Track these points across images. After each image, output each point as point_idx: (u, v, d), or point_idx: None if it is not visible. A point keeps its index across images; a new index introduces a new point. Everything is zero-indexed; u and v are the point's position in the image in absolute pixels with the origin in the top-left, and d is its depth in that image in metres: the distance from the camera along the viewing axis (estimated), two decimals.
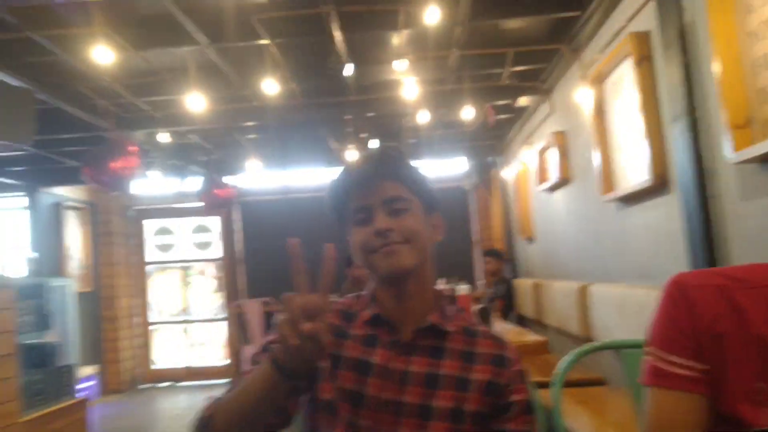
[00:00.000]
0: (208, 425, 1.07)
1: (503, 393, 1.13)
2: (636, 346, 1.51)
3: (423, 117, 4.97)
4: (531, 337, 4.01)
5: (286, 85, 4.16)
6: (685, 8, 2.41)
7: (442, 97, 4.63)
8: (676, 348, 0.97)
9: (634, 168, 3.12)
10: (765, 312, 0.92)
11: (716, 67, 2.13)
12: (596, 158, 3.51)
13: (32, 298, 4.44)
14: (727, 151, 2.12)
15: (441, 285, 3.86)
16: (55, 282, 4.82)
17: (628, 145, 3.18)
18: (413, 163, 1.22)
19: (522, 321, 5.82)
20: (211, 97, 4.26)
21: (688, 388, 0.95)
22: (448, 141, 6.25)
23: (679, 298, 0.98)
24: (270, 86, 3.89)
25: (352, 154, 5.86)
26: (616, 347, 1.53)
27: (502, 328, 4.09)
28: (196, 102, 4.12)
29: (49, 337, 4.51)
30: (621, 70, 3.17)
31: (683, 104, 2.43)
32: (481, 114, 5.10)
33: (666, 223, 2.80)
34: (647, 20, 2.80)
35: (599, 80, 3.45)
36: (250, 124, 5.07)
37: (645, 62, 2.83)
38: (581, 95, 3.62)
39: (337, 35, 3.36)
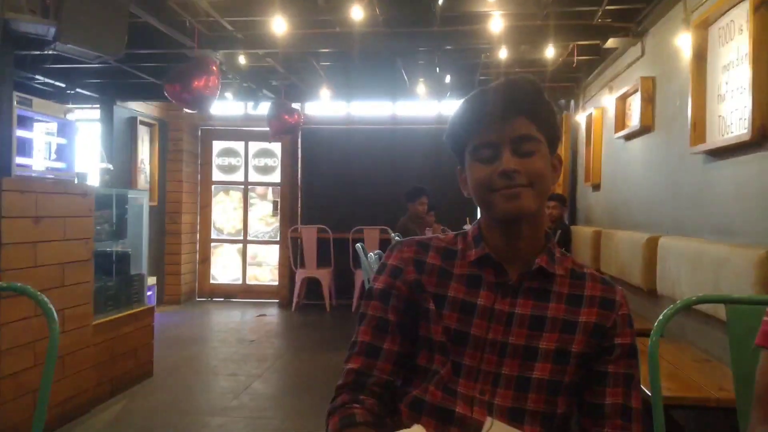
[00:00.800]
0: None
1: (608, 335, 1.13)
2: (749, 302, 1.48)
3: (502, 53, 4.84)
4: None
5: (372, 12, 4.10)
6: None
7: (526, 33, 4.49)
8: None
9: (731, 120, 3.00)
10: None
11: None
12: (689, 107, 3.38)
13: (107, 207, 4.60)
14: None
15: None
16: (130, 194, 5.00)
17: (727, 95, 3.05)
18: (542, 94, 1.15)
19: None
20: (294, 20, 4.24)
21: None
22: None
23: None
24: (356, 12, 3.84)
25: (421, 89, 5.79)
26: (729, 302, 1.52)
27: None
28: (279, 24, 4.11)
29: (122, 247, 4.71)
30: (733, 14, 3.00)
31: None
32: (563, 53, 4.94)
33: (759, 179, 2.71)
34: None
35: (704, 25, 3.28)
36: (327, 50, 5.04)
37: (764, 7, 2.66)
38: (681, 39, 3.46)
39: None
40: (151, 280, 7.06)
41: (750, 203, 2.83)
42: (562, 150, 7.37)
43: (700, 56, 3.32)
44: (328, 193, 8.07)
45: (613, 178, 5.27)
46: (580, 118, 6.38)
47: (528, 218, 1.11)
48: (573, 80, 6.33)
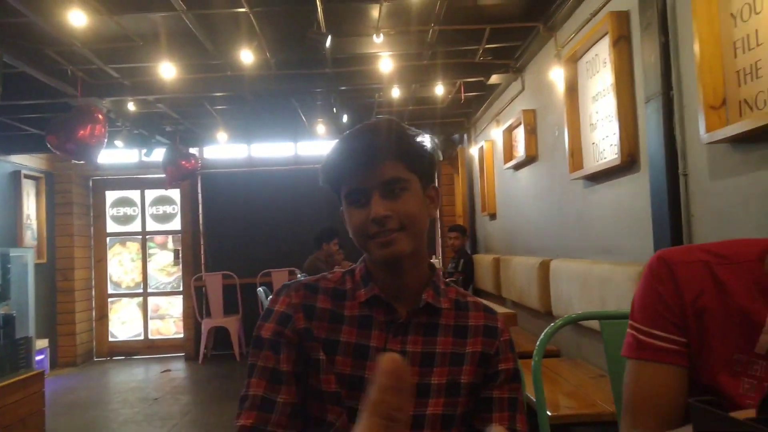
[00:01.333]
0: None
1: (492, 362, 1.17)
2: (620, 317, 1.56)
3: (395, 92, 5.00)
4: (500, 309, 4.14)
5: (262, 55, 4.12)
6: None
7: (415, 72, 4.67)
8: (659, 322, 1.00)
9: (603, 146, 3.24)
10: (745, 286, 0.96)
11: (696, 47, 2.23)
12: (566, 136, 3.61)
13: None
14: (701, 131, 2.24)
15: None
16: (13, 252, 4.68)
17: (598, 124, 3.29)
18: (413, 134, 1.15)
19: (479, 295, 5.99)
20: (183, 65, 4.19)
21: (669, 360, 0.98)
22: (418, 117, 6.30)
23: (665, 274, 1.01)
24: (245, 56, 3.84)
25: (321, 128, 5.85)
26: (600, 318, 1.60)
27: None
28: (167, 70, 4.05)
29: (5, 309, 4.39)
30: (596, 49, 3.27)
31: (658, 84, 2.53)
32: (452, 90, 5.17)
33: (632, 200, 2.93)
34: (627, 0, 2.89)
35: (573, 59, 3.55)
36: (220, 94, 5.00)
37: (622, 41, 2.93)
38: (554, 74, 3.71)
39: (319, 5, 3.34)
40: (42, 343, 6.57)
41: (626, 224, 3.04)
42: (459, 182, 7.64)
43: (572, 88, 3.58)
44: (232, 238, 7.88)
45: (507, 207, 5.51)
46: (474, 151, 6.66)
47: (407, 257, 1.12)
48: (464, 115, 6.61)
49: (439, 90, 4.93)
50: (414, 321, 1.14)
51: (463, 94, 5.15)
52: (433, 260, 5.95)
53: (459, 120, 6.75)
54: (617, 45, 2.94)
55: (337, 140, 1.16)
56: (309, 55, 4.04)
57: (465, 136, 7.06)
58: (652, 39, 2.57)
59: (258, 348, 1.14)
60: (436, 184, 1.21)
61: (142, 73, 4.42)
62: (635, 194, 2.89)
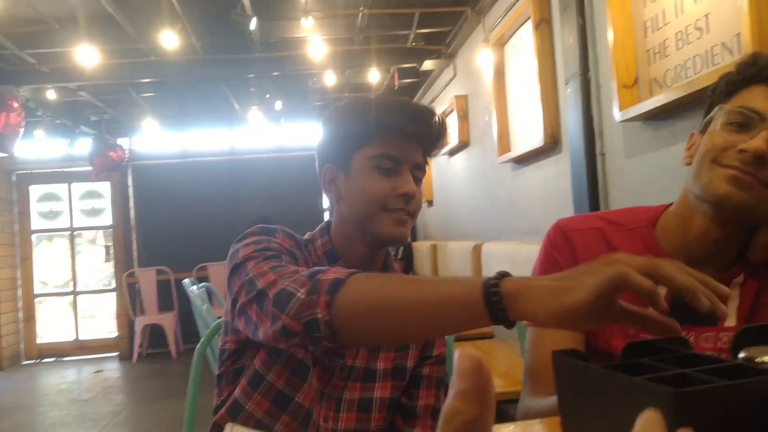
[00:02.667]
0: (336, 289, 0.77)
1: (430, 345, 1.19)
2: None
3: (330, 78, 4.95)
4: None
5: (187, 40, 4.00)
6: None
7: (349, 58, 4.63)
8: None
9: (528, 129, 3.30)
10: (637, 252, 0.98)
11: (609, 30, 2.29)
12: (494, 121, 3.66)
13: None
14: (615, 110, 2.30)
15: None
16: None
17: (524, 107, 3.35)
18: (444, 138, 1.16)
19: None
20: (104, 50, 4.02)
21: None
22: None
23: (561, 241, 1.03)
24: (169, 39, 3.72)
25: (255, 115, 5.74)
26: None
27: None
28: (87, 55, 3.88)
29: None
30: (521, 33, 3.32)
31: (576, 66, 2.59)
32: (387, 77, 5.16)
33: (556, 181, 3.00)
34: None
35: (500, 43, 3.59)
36: (146, 80, 4.83)
37: (543, 25, 2.98)
38: (482, 59, 3.75)
39: None
40: None
41: (551, 204, 3.11)
42: None
43: (500, 73, 3.63)
44: (166, 232, 7.64)
45: (444, 193, 5.56)
46: None
47: (403, 242, 1.11)
48: None
49: (374, 76, 4.91)
50: None
51: (397, 81, 5.15)
52: None
53: None
54: (539, 28, 2.99)
55: (386, 98, 1.11)
56: (236, 39, 3.95)
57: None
58: (571, 21, 2.62)
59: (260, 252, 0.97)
60: None
61: (61, 59, 4.22)
62: (558, 175, 2.96)
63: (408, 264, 6.24)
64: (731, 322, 0.96)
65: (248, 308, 0.87)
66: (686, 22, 1.95)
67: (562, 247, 1.03)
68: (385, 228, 1.05)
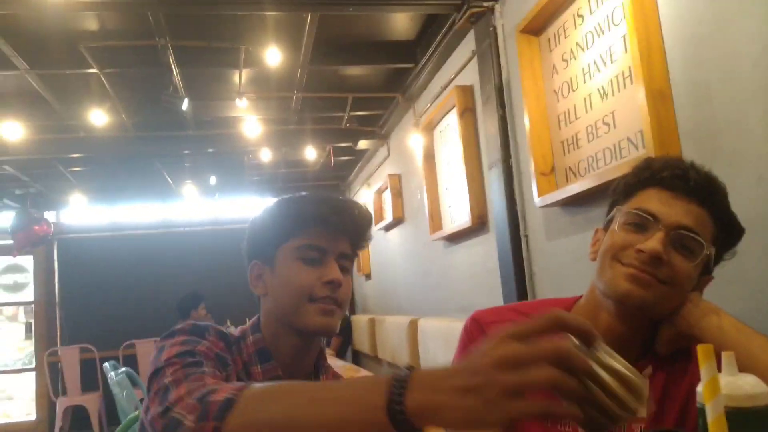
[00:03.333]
0: (225, 412, 0.73)
1: None
2: None
3: (265, 155, 4.98)
4: (361, 373, 4.06)
5: (117, 117, 3.97)
6: (502, 66, 2.72)
7: (284, 137, 4.69)
8: None
9: (457, 210, 3.39)
10: None
11: (526, 120, 2.42)
12: (425, 200, 3.75)
13: None
14: (534, 196, 2.40)
15: None
16: None
17: (452, 188, 3.45)
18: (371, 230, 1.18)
19: (357, 357, 5.95)
20: (30, 125, 3.93)
21: None
22: (291, 180, 6.29)
23: (477, 334, 1.06)
24: (98, 117, 3.68)
25: (190, 190, 5.68)
26: None
27: (335, 364, 4.12)
28: (11, 130, 3.79)
29: None
30: (448, 119, 3.46)
31: (498, 152, 2.71)
32: (323, 155, 5.24)
33: (485, 260, 3.07)
34: (471, 75, 3.10)
35: (429, 128, 3.73)
36: (75, 156, 4.72)
37: (468, 113, 3.12)
38: (414, 141, 3.87)
39: (174, 69, 3.29)
40: None
41: (480, 282, 3.16)
42: None
43: (429, 155, 3.75)
44: (92, 308, 7.26)
45: (381, 267, 5.58)
46: None
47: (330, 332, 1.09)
48: (338, 178, 6.71)
49: (311, 154, 4.97)
50: None
51: (332, 159, 5.23)
52: None
53: (333, 183, 6.83)
54: (464, 116, 3.13)
55: (307, 194, 1.12)
56: (169, 117, 3.95)
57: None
58: (492, 111, 2.76)
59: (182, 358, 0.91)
60: None
61: None
62: (486, 254, 3.03)
63: (347, 339, 6.14)
64: (642, 413, 0.99)
65: (155, 422, 0.83)
66: (595, 117, 2.08)
67: (478, 340, 1.01)
68: (311, 319, 1.04)
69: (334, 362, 4.35)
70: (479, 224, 3.05)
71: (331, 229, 1.08)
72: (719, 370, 0.59)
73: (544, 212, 2.47)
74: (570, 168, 2.29)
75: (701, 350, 0.51)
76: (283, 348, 1.08)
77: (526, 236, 2.65)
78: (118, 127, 4.12)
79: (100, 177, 5.59)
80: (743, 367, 0.82)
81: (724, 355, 0.62)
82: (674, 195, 0.96)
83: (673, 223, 0.94)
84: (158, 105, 3.45)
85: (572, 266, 2.30)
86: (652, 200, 0.97)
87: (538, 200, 2.37)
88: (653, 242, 0.92)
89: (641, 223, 0.96)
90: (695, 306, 0.95)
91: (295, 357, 1.09)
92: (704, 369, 0.50)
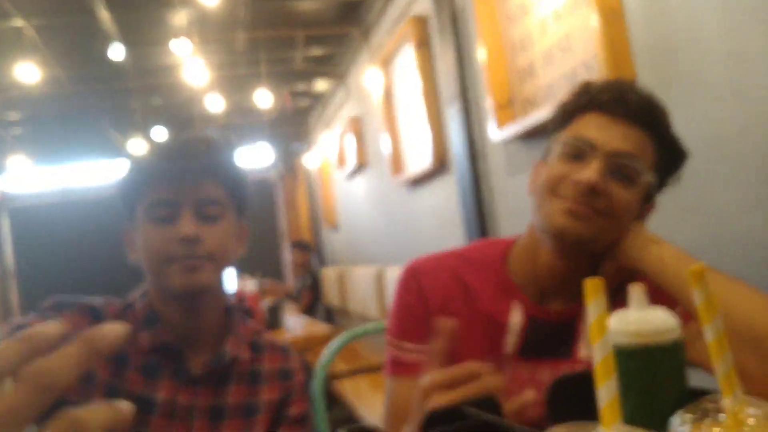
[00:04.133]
0: None
1: (286, 404, 1.08)
2: None
3: (217, 103, 4.73)
4: (322, 328, 3.97)
5: (51, 71, 3.68)
6: None
7: (235, 82, 4.44)
8: (410, 334, 0.97)
9: (419, 151, 3.25)
10: (490, 288, 0.97)
11: (481, 50, 2.26)
12: (386, 142, 3.60)
13: None
14: (492, 130, 2.26)
15: (247, 282, 3.70)
16: None
17: (413, 128, 3.30)
18: (234, 155, 1.05)
19: (329, 311, 5.87)
20: None
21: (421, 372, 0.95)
22: (248, 129, 6.05)
23: (412, 284, 0.99)
24: (28, 73, 3.41)
25: (138, 144, 5.42)
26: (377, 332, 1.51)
27: (298, 322, 4.05)
28: None
29: None
30: (404, 53, 3.27)
31: (456, 87, 2.55)
32: (279, 100, 5.00)
33: (446, 202, 2.95)
34: (425, 5, 2.90)
35: (386, 64, 3.53)
36: (12, 117, 4.42)
37: (424, 46, 2.93)
38: (371, 79, 3.68)
39: (104, 14, 3.03)
40: None
41: (443, 225, 3.06)
42: (302, 195, 7.49)
43: (388, 94, 3.57)
44: (51, 277, 6.98)
45: (347, 218, 5.45)
46: (312, 162, 6.54)
47: (207, 294, 0.99)
48: (298, 124, 6.49)
49: (265, 100, 4.73)
50: (206, 370, 0.99)
51: (290, 103, 5.00)
52: (269, 282, 5.65)
53: (294, 130, 6.61)
54: (420, 49, 2.95)
55: (154, 144, 0.99)
56: (105, 68, 3.68)
57: (304, 147, 6.93)
58: (448, 43, 2.59)
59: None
60: None
61: None
62: (448, 196, 2.91)
63: (317, 294, 6.05)
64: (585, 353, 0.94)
65: None
66: (550, 43, 1.94)
67: (413, 290, 0.99)
68: (174, 281, 0.95)
69: (298, 320, 4.27)
70: (440, 165, 2.91)
71: (174, 177, 0.97)
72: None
73: (503, 148, 2.34)
74: (527, 98, 2.15)
75: (588, 286, 0.43)
76: (168, 312, 1.00)
77: (485, 175, 2.53)
78: (54, 83, 3.84)
79: (43, 138, 5.29)
80: (681, 299, 0.81)
81: (631, 288, 0.57)
82: (613, 119, 0.89)
83: (611, 150, 0.87)
84: (93, 56, 3.19)
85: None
86: (590, 126, 0.90)
87: (496, 134, 2.24)
88: (589, 172, 0.85)
89: (578, 153, 0.88)
90: (635, 237, 0.89)
91: (183, 319, 1.00)
92: (590, 306, 0.43)
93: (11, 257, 7.11)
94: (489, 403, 0.66)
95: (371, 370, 3.59)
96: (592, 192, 0.85)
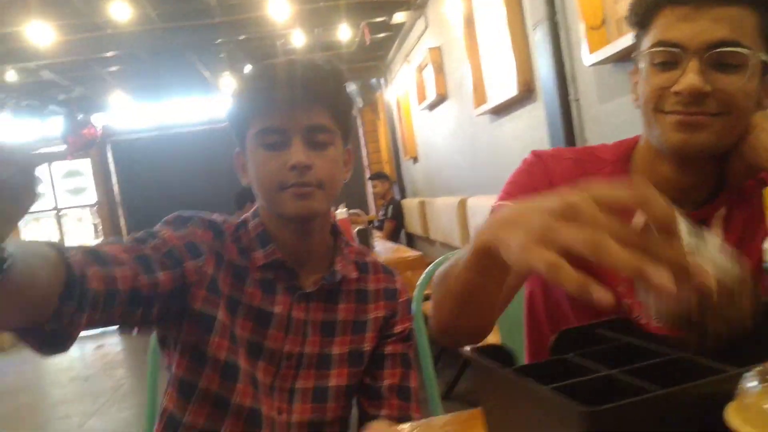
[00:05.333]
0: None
1: (390, 323, 1.11)
2: None
3: (298, 38, 4.78)
4: (410, 253, 4.07)
5: (141, 9, 3.82)
6: None
7: (316, 16, 4.45)
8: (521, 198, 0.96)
9: (502, 80, 3.18)
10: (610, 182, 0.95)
11: None
12: (467, 72, 3.54)
13: None
14: (584, 53, 2.19)
15: (337, 210, 3.83)
16: None
17: (496, 57, 3.22)
18: (342, 80, 1.02)
19: (411, 239, 5.99)
20: (58, 25, 3.84)
21: None
22: None
23: (537, 166, 0.97)
24: (121, 11, 3.55)
25: (227, 81, 5.58)
26: None
27: (385, 247, 4.17)
28: (40, 32, 3.71)
29: None
30: None
31: (543, 11, 2.46)
32: (358, 33, 4.98)
33: (532, 131, 2.90)
34: None
35: None
36: (109, 54, 4.64)
37: None
38: (452, 8, 3.60)
39: None
40: None
41: (527, 154, 3.01)
42: (382, 128, 7.53)
43: (470, 21, 3.48)
44: (152, 206, 7.52)
45: (427, 149, 5.45)
46: (391, 94, 6.53)
47: (318, 218, 1.02)
48: (377, 58, 6.44)
49: (344, 33, 4.73)
50: (318, 288, 1.04)
51: (368, 36, 4.97)
52: (358, 212, 5.83)
53: (373, 64, 6.57)
54: None
55: (261, 65, 1.00)
56: (192, 5, 3.77)
57: (382, 80, 6.90)
58: None
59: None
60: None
61: (13, 39, 4.04)
62: (534, 124, 2.86)
63: (399, 223, 6.17)
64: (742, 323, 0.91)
65: None
66: None
67: (538, 173, 0.96)
68: (287, 207, 0.97)
69: (385, 245, 4.40)
70: (526, 92, 2.85)
71: (287, 102, 0.96)
72: None
73: (595, 72, 2.26)
74: (622, 19, 2.05)
75: None
76: (280, 232, 1.02)
77: (577, 100, 2.46)
78: (144, 21, 3.99)
79: (138, 75, 5.53)
80: None
81: None
82: (693, 7, 0.78)
83: (701, 44, 0.77)
84: None
85: (629, 128, 2.12)
86: (671, 24, 0.80)
87: (589, 58, 2.16)
88: (687, 78, 0.77)
89: (668, 60, 0.80)
90: (762, 130, 0.81)
91: (294, 239, 1.02)
92: None
93: (115, 188, 7.65)
94: (623, 323, 0.63)
95: None
96: (698, 97, 0.78)
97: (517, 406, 0.53)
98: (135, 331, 1.01)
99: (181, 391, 1.02)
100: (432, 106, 4.82)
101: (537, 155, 0.99)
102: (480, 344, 0.60)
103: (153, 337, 1.32)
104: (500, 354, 0.58)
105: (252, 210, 1.08)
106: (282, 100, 0.96)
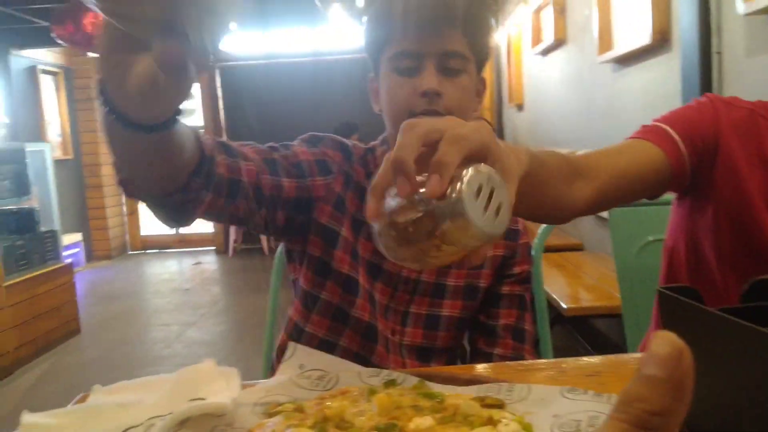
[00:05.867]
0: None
1: (509, 264, 1.12)
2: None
3: None
4: None
5: None
6: None
7: None
8: (679, 127, 0.93)
9: (634, 25, 2.98)
10: None
11: None
12: (595, 15, 3.34)
13: (8, 163, 4.33)
14: (738, 1, 2.00)
15: None
16: (32, 147, 4.69)
17: (628, 1, 3.01)
18: (481, 5, 1.00)
19: None
20: None
21: (666, 147, 0.92)
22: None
23: (708, 108, 0.95)
24: None
25: (336, 11, 5.55)
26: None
27: None
28: None
29: (29, 203, 4.46)
30: None
31: None
32: None
33: (664, 84, 2.72)
34: None
35: None
36: None
37: None
38: None
39: None
40: (74, 237, 6.77)
41: (656, 109, 2.83)
42: (488, 71, 7.30)
43: None
44: (255, 134, 7.78)
45: (535, 97, 5.26)
46: (501, 36, 6.29)
47: None
48: None
49: None
50: None
51: None
52: None
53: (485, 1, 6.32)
54: None
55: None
56: None
57: (492, 20, 6.65)
58: None
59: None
60: None
61: None
62: (666, 77, 2.67)
63: None
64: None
65: None
66: None
67: (707, 111, 0.95)
68: None
69: None
70: (660, 41, 2.66)
71: (422, 25, 0.93)
72: None
73: (747, 22, 2.07)
74: None
75: None
76: None
77: (719, 53, 2.27)
78: None
79: (248, 3, 5.60)
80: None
81: None
82: None
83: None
84: None
85: None
86: None
87: (742, 6, 1.98)
88: None
89: None
90: None
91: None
92: None
93: (222, 112, 7.92)
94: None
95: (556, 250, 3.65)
96: None
97: (725, 349, 0.51)
98: (265, 235, 1.06)
99: (305, 302, 1.07)
100: (547, 51, 4.61)
101: (710, 98, 0.96)
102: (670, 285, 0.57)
103: (277, 257, 1.40)
104: (689, 293, 0.56)
105: (381, 137, 1.10)
106: (417, 24, 0.94)
